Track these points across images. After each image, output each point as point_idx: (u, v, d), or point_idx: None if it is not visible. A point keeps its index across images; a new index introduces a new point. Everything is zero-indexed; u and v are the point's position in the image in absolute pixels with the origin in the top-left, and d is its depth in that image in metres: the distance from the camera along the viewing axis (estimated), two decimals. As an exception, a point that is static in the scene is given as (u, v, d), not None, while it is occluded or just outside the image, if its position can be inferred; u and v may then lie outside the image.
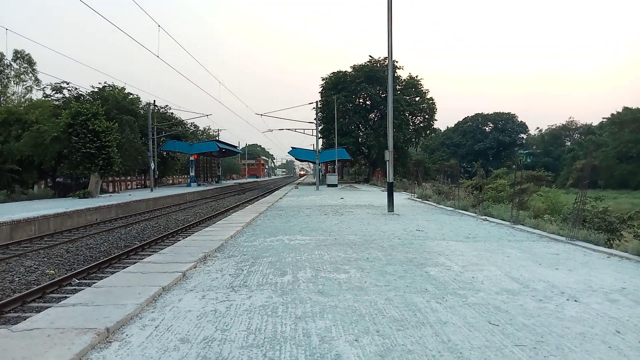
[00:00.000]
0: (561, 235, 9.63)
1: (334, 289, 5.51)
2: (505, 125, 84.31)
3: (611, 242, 9.56)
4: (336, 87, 47.76)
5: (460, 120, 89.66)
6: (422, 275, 6.20)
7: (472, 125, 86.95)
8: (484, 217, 13.30)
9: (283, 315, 4.55)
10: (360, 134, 49.97)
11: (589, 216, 11.09)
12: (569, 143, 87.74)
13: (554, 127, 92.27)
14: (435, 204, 18.62)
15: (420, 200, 21.32)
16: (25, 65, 45.69)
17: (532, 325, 4.20)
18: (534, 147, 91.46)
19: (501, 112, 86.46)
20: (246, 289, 5.57)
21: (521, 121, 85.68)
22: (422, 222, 12.57)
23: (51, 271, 10.47)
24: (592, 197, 14.81)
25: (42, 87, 36.17)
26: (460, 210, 15.54)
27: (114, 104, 33.63)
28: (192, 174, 46.89)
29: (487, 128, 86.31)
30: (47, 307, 5.16)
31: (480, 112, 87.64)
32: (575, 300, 4.99)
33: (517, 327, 4.15)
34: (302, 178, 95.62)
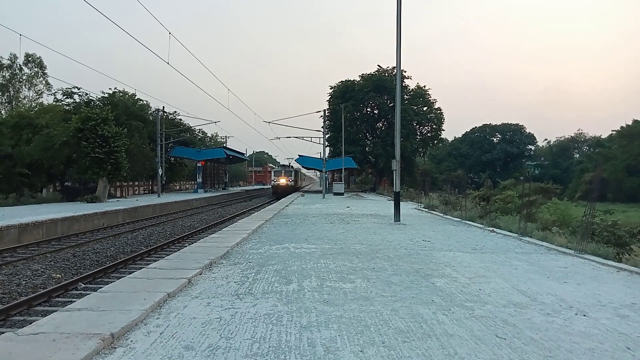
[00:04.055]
0: (569, 248, 9.52)
1: (339, 299, 5.47)
2: (513, 137, 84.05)
3: (621, 256, 9.45)
4: (344, 95, 47.92)
5: (468, 130, 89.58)
6: (429, 287, 6.15)
7: (479, 136, 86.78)
8: (491, 228, 13.20)
9: (288, 324, 4.52)
10: (368, 142, 50.04)
11: (598, 229, 10.98)
12: (577, 155, 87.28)
13: (562, 139, 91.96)
14: (442, 215, 18.52)
15: (427, 210, 21.22)
16: (37, 69, 46.38)
17: (540, 339, 4.14)
18: (542, 159, 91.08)
19: (509, 123, 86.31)
20: (251, 297, 5.55)
21: (529, 132, 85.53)
22: (429, 232, 12.50)
23: (57, 275, 10.51)
24: (601, 210, 14.66)
25: (53, 91, 36.72)
26: (467, 221, 15.44)
27: (123, 109, 34.01)
28: (199, 180, 47.08)
29: (494, 139, 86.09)
30: (52, 312, 5.18)
31: (488, 123, 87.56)
32: (584, 315, 4.92)
33: (524, 341, 4.09)
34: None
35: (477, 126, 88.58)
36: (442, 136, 56.15)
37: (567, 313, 4.99)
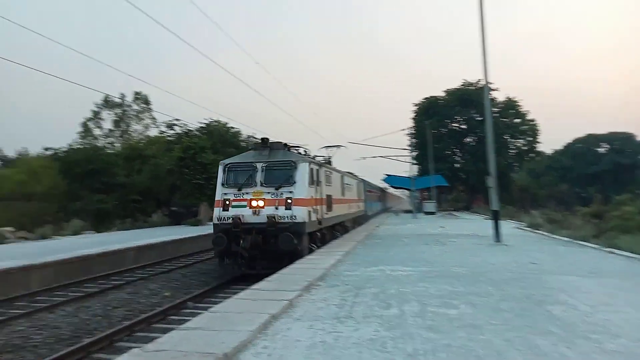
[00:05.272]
0: None
1: (444, 325, 5.22)
2: (622, 146, 75.55)
3: None
4: (428, 112, 47.11)
5: (570, 141, 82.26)
6: (543, 314, 5.63)
7: (582, 147, 79.23)
8: (609, 249, 11.85)
9: (393, 351, 4.40)
10: (457, 159, 48.30)
11: None
12: None
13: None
14: (547, 234, 17.06)
15: (530, 229, 19.70)
16: (143, 105, 51.70)
17: (692, 381, 3.57)
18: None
19: (616, 131, 77.89)
20: (352, 321, 5.51)
21: (642, 140, 76.19)
22: (535, 253, 11.54)
23: (169, 294, 11.37)
24: None
25: (157, 125, 40.49)
26: (578, 241, 14.02)
27: (218, 137, 36.41)
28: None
29: (600, 149, 78.10)
30: (169, 329, 5.57)
31: (591, 133, 79.73)
32: None
33: (673, 382, 3.55)
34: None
35: (580, 137, 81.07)
36: (538, 149, 52.37)
37: None
